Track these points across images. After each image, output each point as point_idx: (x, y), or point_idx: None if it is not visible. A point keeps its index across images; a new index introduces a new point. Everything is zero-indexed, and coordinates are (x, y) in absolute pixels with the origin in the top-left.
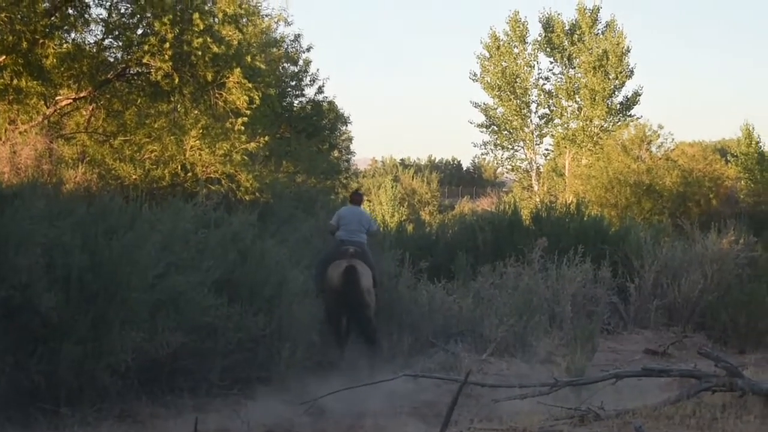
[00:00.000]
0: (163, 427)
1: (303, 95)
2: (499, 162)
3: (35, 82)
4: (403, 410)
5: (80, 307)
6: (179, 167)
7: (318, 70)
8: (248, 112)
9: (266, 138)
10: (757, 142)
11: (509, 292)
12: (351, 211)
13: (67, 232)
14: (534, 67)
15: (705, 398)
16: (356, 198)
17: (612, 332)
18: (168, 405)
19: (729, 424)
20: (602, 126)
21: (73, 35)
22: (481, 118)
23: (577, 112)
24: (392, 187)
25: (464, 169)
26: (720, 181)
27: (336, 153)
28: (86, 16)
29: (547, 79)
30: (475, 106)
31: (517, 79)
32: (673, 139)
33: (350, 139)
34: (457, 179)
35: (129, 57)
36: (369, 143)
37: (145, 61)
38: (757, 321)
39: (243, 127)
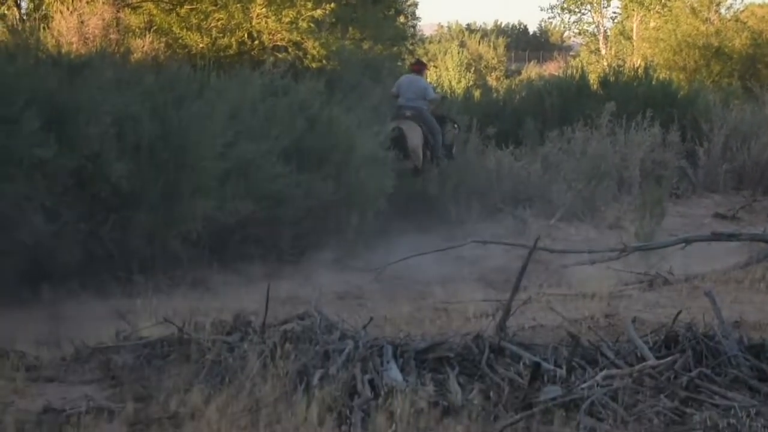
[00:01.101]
0: (235, 294)
1: None
2: (566, 26)
3: None
4: (472, 276)
5: (150, 176)
6: (246, 35)
7: None
8: None
9: (332, 5)
10: None
11: (577, 157)
12: (409, 80)
13: (137, 101)
14: None
15: None
16: (416, 67)
17: (681, 197)
18: (239, 272)
19: None
20: None
21: None
22: None
23: None
24: (458, 53)
25: (531, 33)
26: None
27: (402, 19)
28: None
29: None
30: None
31: None
32: (742, 1)
33: (416, 5)
34: (523, 44)
35: None
36: (434, 8)
37: None
38: None
39: None
